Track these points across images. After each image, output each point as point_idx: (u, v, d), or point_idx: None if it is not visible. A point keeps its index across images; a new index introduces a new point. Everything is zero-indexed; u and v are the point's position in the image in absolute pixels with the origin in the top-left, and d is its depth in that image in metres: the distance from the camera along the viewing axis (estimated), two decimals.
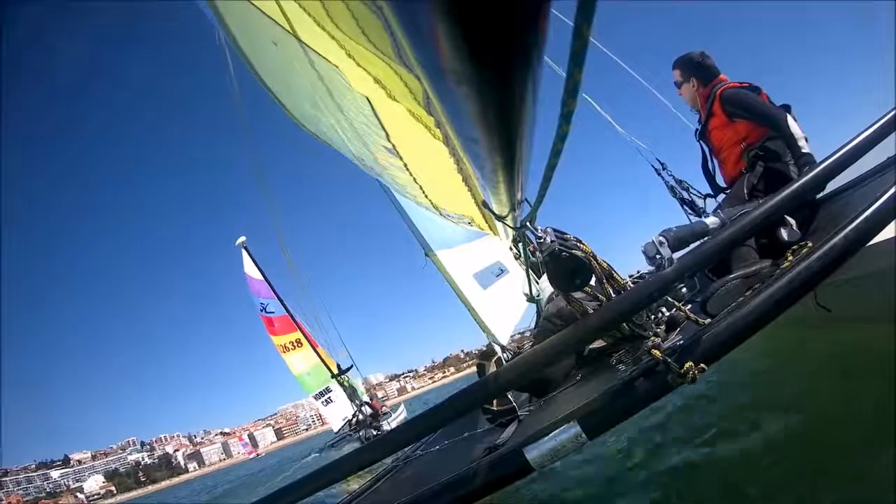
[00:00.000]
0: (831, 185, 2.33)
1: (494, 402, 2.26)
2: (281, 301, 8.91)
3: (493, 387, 1.46)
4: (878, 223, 1.30)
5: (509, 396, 2.22)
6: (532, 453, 1.26)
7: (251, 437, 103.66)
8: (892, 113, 1.58)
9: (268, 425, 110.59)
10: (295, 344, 11.31)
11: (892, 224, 1.38)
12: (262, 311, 11.15)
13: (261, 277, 9.99)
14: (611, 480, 2.28)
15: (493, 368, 2.32)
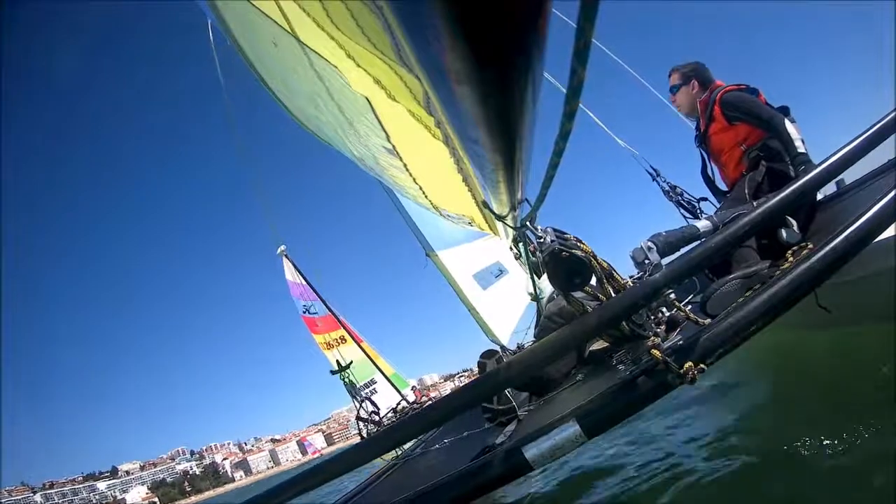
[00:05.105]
0: (830, 187, 2.34)
1: (494, 400, 2.26)
2: (323, 301, 9.37)
3: (493, 384, 1.46)
4: (878, 225, 1.30)
5: (509, 395, 2.22)
6: (531, 452, 1.26)
7: (299, 443, 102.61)
8: (892, 115, 1.58)
9: (318, 431, 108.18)
10: (339, 340, 11.93)
11: (893, 225, 1.38)
12: (304, 312, 11.86)
13: (302, 282, 10.51)
14: (605, 480, 2.29)
15: (493, 367, 2.33)
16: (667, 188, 3.32)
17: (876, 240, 1.32)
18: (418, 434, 2.02)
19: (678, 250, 1.77)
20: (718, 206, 2.98)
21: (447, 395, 1.41)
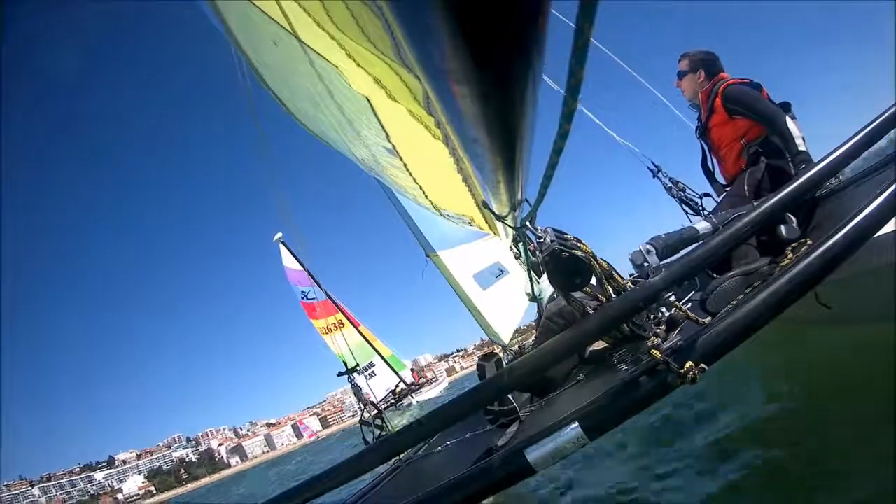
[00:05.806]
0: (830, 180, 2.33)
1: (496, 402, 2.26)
2: (321, 286, 9.47)
3: (496, 388, 1.46)
4: (878, 220, 1.29)
5: (510, 397, 2.21)
6: (533, 454, 1.26)
7: (295, 427, 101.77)
8: (892, 110, 1.58)
9: (313, 414, 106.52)
10: (337, 325, 12.05)
11: (893, 220, 1.38)
12: (303, 298, 12.04)
13: (300, 268, 10.60)
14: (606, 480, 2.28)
15: (492, 370, 2.32)
16: (669, 184, 3.31)
17: (876, 235, 1.32)
18: (423, 439, 2.02)
19: (678, 252, 1.77)
20: (717, 199, 2.98)
21: (452, 400, 1.41)
